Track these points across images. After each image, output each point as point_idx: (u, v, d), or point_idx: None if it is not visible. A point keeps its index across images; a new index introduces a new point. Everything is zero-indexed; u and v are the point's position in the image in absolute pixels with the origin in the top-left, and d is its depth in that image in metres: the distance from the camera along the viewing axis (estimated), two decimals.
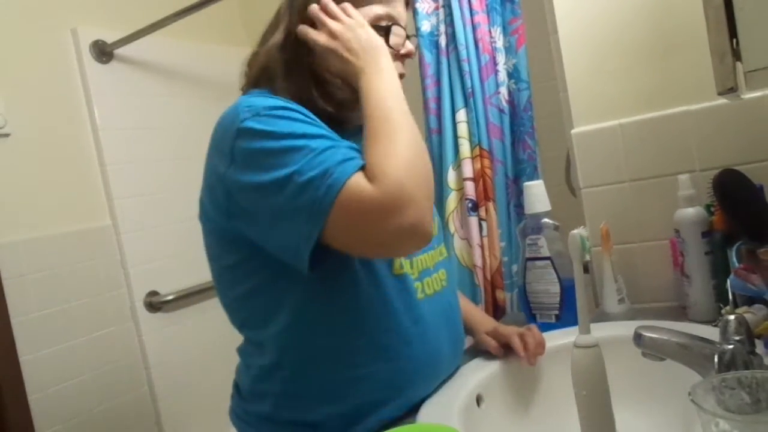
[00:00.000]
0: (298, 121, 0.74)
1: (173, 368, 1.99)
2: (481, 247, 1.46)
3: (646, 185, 1.13)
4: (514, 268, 1.47)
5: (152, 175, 2.01)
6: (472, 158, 1.47)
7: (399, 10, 0.87)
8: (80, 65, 1.86)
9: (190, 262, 2.03)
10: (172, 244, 2.03)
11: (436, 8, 1.51)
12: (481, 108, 1.46)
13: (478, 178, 1.46)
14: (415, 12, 1.51)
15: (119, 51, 1.94)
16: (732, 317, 0.67)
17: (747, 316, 0.73)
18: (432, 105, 1.53)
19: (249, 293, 0.82)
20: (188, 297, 2.02)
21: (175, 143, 2.10)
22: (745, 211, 0.93)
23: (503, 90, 1.47)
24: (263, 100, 0.76)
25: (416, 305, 0.83)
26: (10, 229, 1.64)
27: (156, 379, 1.93)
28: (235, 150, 0.73)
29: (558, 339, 0.97)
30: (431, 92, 1.53)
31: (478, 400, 0.88)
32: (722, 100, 1.00)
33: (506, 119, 1.48)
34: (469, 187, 1.47)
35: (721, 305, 0.93)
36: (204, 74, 2.26)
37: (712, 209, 1.02)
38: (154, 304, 1.95)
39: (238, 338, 0.91)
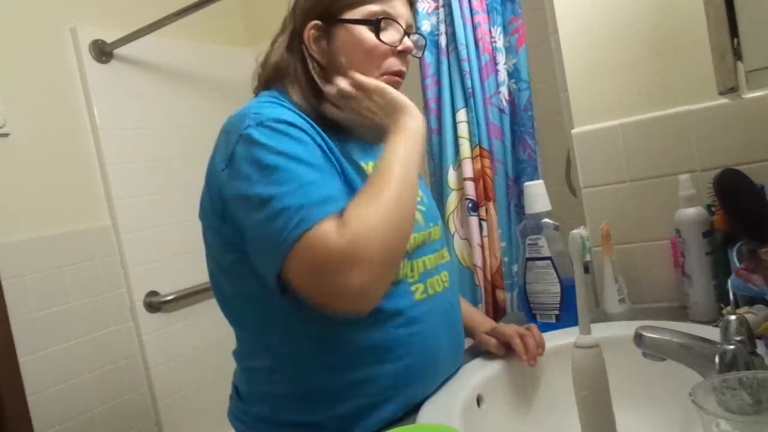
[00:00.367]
0: (298, 142, 0.75)
1: (173, 368, 1.98)
2: (482, 247, 1.46)
3: (647, 185, 1.13)
4: (515, 268, 1.47)
5: (152, 175, 2.01)
6: (473, 158, 1.47)
7: (398, 9, 0.86)
8: (80, 65, 1.86)
9: (190, 262, 2.03)
10: (172, 244, 2.02)
11: (436, 8, 1.51)
12: (481, 108, 1.46)
13: (479, 178, 1.46)
14: (415, 12, 1.51)
15: (119, 51, 1.94)
16: (733, 317, 0.67)
17: (748, 316, 0.73)
18: (432, 105, 1.53)
19: (245, 296, 0.82)
20: (188, 297, 2.02)
21: (175, 143, 2.09)
22: (746, 211, 0.93)
23: (503, 90, 1.47)
24: (271, 110, 0.77)
25: (413, 307, 0.83)
26: (9, 229, 1.64)
27: (156, 379, 1.93)
28: (234, 154, 0.75)
29: (558, 339, 0.97)
30: (431, 92, 1.53)
31: (479, 400, 0.87)
32: (723, 100, 1.00)
33: (506, 119, 1.48)
34: (470, 187, 1.46)
35: (722, 305, 0.94)
36: (204, 74, 2.26)
37: (713, 209, 1.02)
38: (154, 304, 1.95)
39: None
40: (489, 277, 1.46)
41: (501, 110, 1.47)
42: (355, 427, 0.80)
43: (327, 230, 0.68)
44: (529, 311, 1.14)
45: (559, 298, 1.10)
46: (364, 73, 0.83)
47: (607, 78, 1.16)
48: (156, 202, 2.01)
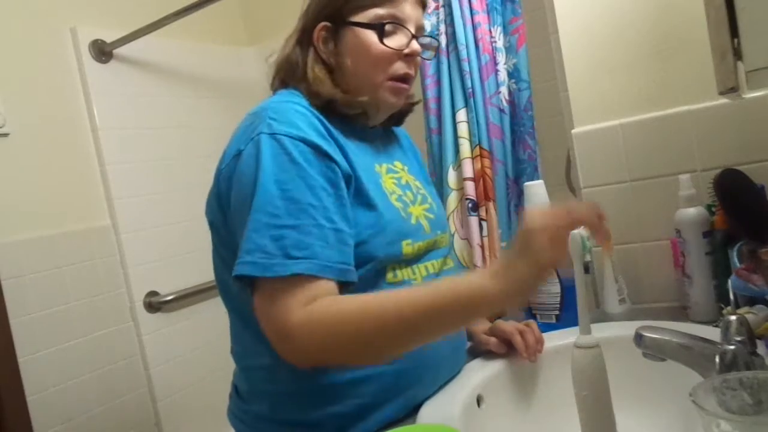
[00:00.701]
0: (298, 170, 0.74)
1: (172, 368, 1.98)
2: (482, 247, 1.46)
3: (647, 185, 1.13)
4: None
5: (152, 175, 2.01)
6: (473, 158, 1.47)
7: (407, 12, 0.85)
8: (79, 65, 1.86)
9: (190, 262, 2.03)
10: (172, 244, 2.02)
11: (437, 8, 1.51)
12: (481, 108, 1.46)
13: (479, 178, 1.46)
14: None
15: (118, 50, 1.94)
16: (733, 317, 0.66)
17: (748, 316, 0.73)
18: (432, 105, 1.53)
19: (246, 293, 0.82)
20: (188, 297, 2.01)
21: (174, 143, 2.09)
22: (746, 211, 0.93)
23: (503, 90, 1.47)
24: (288, 119, 0.78)
25: None
26: (9, 229, 1.64)
27: (155, 379, 1.93)
28: (244, 150, 0.77)
29: (558, 339, 0.97)
30: (431, 92, 1.53)
31: (479, 400, 0.87)
32: (723, 100, 1.00)
33: (506, 119, 1.48)
34: (470, 187, 1.46)
35: (722, 305, 0.94)
36: (204, 74, 2.26)
37: (713, 209, 1.02)
38: (154, 304, 1.95)
39: None
40: None
41: (501, 110, 1.47)
42: (355, 426, 0.80)
43: (297, 298, 0.70)
44: (529, 311, 1.14)
45: (559, 298, 1.10)
46: (369, 76, 0.84)
47: (607, 78, 1.15)
48: (156, 202, 2.00)
